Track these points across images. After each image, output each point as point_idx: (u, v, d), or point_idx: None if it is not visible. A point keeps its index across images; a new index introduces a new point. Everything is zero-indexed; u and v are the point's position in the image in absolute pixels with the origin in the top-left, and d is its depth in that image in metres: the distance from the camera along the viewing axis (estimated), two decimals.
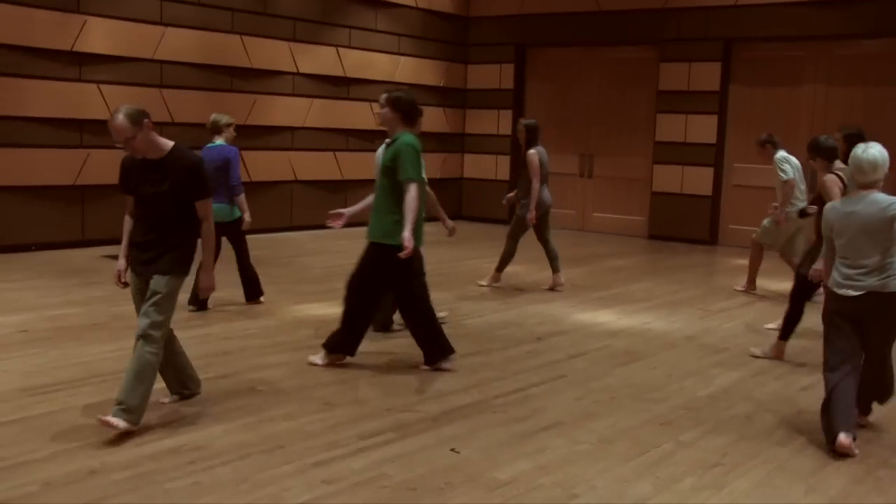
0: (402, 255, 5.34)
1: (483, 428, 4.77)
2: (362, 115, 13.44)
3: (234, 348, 6.21)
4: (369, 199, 6.16)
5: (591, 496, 3.92)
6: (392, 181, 5.62)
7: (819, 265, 5.38)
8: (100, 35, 10.35)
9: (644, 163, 13.75)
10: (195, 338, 6.40)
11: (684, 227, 13.14)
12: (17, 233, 9.85)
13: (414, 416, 4.91)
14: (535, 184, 8.51)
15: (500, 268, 8.93)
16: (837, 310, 4.70)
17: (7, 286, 7.79)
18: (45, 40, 9.86)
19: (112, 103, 10.44)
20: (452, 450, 4.42)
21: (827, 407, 4.64)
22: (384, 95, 5.98)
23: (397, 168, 5.59)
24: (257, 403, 5.01)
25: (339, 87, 13.16)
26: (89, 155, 10.37)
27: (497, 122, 15.01)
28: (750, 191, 12.55)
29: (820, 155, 6.51)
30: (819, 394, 5.52)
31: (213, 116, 7.66)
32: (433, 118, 14.74)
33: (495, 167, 15.00)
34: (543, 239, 8.85)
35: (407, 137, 5.72)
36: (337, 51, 13.06)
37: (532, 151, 8.57)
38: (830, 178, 6.17)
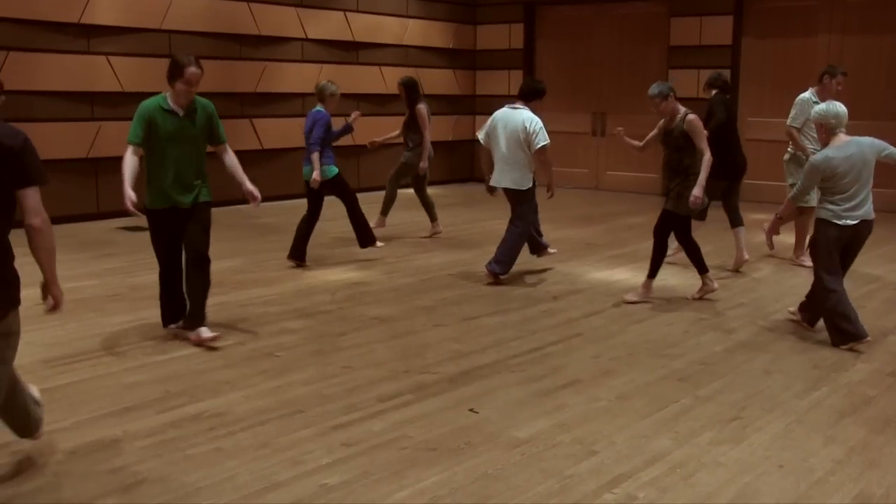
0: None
1: (501, 387, 4.79)
2: (372, 79, 13.36)
3: (252, 315, 6.25)
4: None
5: (611, 452, 3.94)
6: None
7: (698, 192, 6.36)
8: (107, 6, 10.30)
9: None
10: (212, 305, 6.44)
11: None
12: None
13: (432, 377, 4.94)
14: (427, 135, 9.25)
15: (385, 211, 9.52)
16: (838, 237, 5.53)
17: (24, 260, 7.80)
18: (52, 13, 9.82)
19: (122, 75, 10.43)
20: (471, 410, 4.44)
21: (839, 312, 5.52)
22: None
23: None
24: (276, 369, 5.05)
25: (349, 51, 13.07)
26: (101, 127, 10.37)
27: (508, 83, 14.87)
28: (764, 145, 12.41)
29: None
30: (839, 352, 5.53)
31: (320, 84, 8.05)
32: (443, 80, 14.63)
33: None
34: (422, 189, 9.45)
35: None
36: (345, 15, 12.95)
37: (421, 105, 9.26)
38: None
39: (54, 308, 3.58)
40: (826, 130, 5.57)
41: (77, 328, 5.86)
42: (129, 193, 5.17)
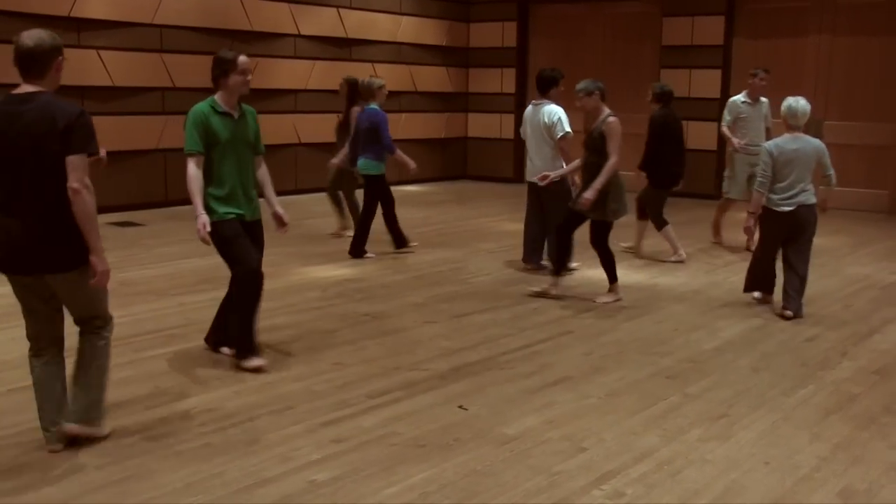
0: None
1: (491, 384, 4.81)
2: (365, 76, 13.30)
3: None
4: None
5: (600, 449, 3.97)
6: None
7: (590, 195, 6.38)
8: (97, 0, 10.26)
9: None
10: (202, 301, 6.45)
11: (692, 182, 13.04)
12: None
13: (422, 374, 4.96)
14: (348, 140, 8.71)
15: (344, 219, 9.36)
16: (778, 223, 6.18)
17: None
18: (42, 6, 9.78)
19: (113, 69, 10.40)
20: (460, 406, 4.46)
21: (756, 268, 6.52)
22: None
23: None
24: (267, 365, 5.05)
25: (342, 48, 13.06)
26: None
27: (501, 81, 14.90)
28: None
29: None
30: (823, 346, 5.60)
31: (366, 81, 8.25)
32: (436, 78, 14.64)
33: (500, 126, 14.93)
34: (352, 192, 9.12)
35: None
36: (338, 12, 12.94)
37: (356, 108, 8.61)
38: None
39: (98, 280, 3.77)
40: (784, 124, 6.29)
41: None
42: (203, 218, 4.71)
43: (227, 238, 4.90)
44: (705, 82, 12.93)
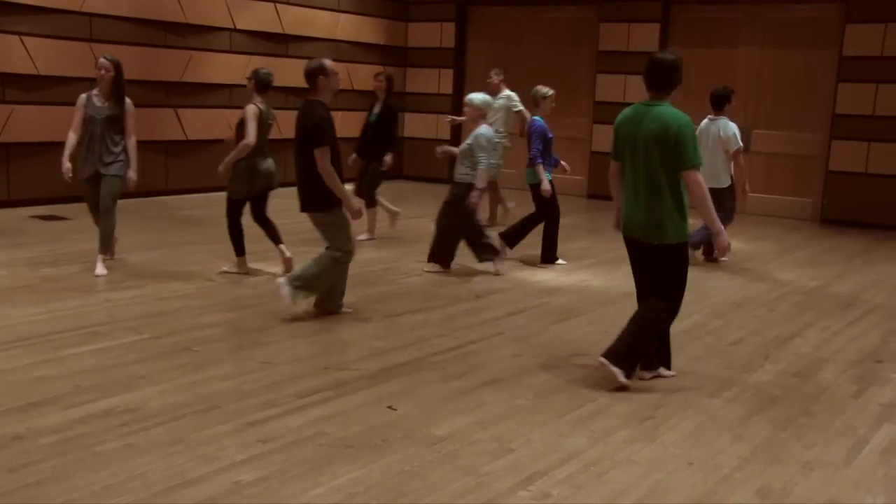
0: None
1: (421, 385, 4.79)
2: (301, 72, 13.15)
3: (170, 309, 6.12)
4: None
5: (527, 450, 3.98)
6: None
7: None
8: None
9: (584, 122, 13.81)
10: (129, 298, 6.30)
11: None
12: None
13: (352, 374, 4.92)
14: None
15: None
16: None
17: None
18: None
19: (36, 56, 10.08)
20: (390, 407, 4.43)
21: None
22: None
23: None
24: (193, 364, 4.96)
25: (278, 44, 12.90)
26: (13, 111, 9.98)
27: (438, 81, 14.91)
28: None
29: None
30: (746, 349, 5.74)
31: (535, 89, 8.49)
32: (373, 76, 14.55)
33: (436, 126, 14.93)
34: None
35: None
36: (275, 7, 12.79)
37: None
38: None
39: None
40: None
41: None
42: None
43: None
44: (640, 88, 13.09)
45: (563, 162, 8.76)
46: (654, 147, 4.71)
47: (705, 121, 8.60)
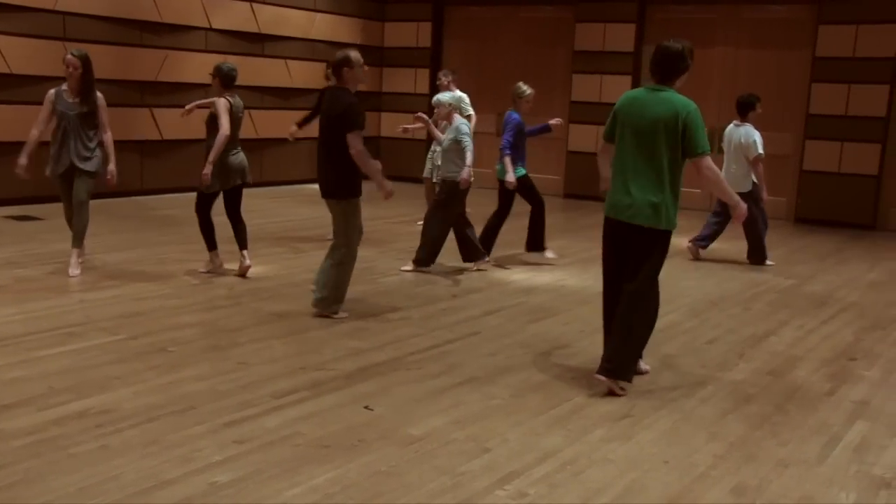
0: None
1: (397, 385, 4.79)
2: (277, 72, 13.16)
3: (145, 309, 6.07)
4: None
5: (503, 449, 4.00)
6: None
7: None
8: None
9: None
10: (104, 299, 6.25)
11: (598, 185, 13.33)
12: None
13: (328, 374, 4.91)
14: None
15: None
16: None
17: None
18: None
19: (9, 55, 9.97)
20: (366, 407, 4.43)
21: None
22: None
23: None
24: (168, 364, 4.92)
25: (254, 43, 12.84)
26: None
27: (414, 81, 14.90)
28: None
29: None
30: (722, 348, 5.79)
31: (515, 86, 8.49)
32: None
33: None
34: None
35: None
36: (251, 6, 12.72)
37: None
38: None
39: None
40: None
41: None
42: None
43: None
44: (616, 88, 13.17)
45: (552, 121, 8.80)
46: (662, 131, 4.65)
47: (730, 126, 8.79)
